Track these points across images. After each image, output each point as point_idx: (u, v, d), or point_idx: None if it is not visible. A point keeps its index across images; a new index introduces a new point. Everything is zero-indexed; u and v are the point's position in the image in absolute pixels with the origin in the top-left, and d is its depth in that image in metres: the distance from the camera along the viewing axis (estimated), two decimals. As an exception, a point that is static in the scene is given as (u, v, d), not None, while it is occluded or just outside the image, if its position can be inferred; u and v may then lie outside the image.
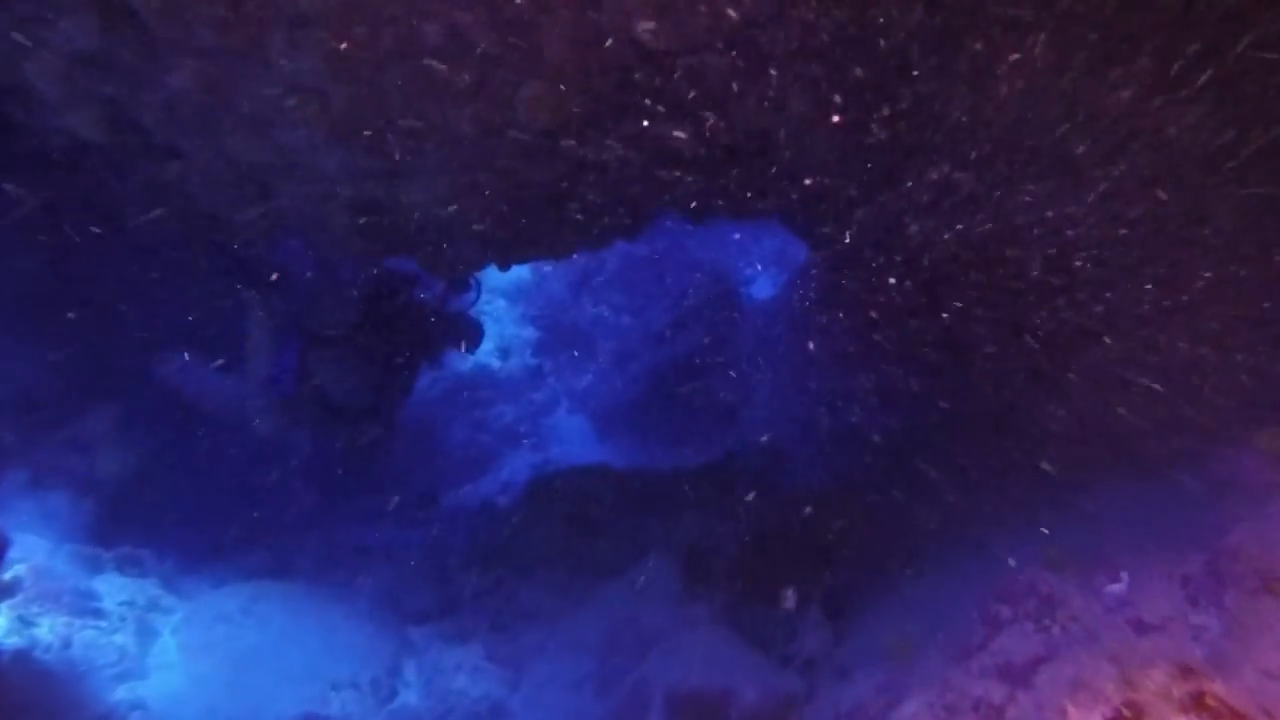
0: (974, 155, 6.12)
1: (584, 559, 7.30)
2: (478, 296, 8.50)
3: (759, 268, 15.06)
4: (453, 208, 6.29)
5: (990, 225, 6.68)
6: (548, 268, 14.54)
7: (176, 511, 7.73)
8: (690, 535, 7.44)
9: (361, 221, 6.49)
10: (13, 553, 5.69)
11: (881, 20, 5.55)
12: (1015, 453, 6.78)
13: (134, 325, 7.74)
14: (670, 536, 7.47)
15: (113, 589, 6.07)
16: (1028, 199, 5.98)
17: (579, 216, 7.19)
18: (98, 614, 5.74)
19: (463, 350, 8.83)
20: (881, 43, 5.61)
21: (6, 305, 7.14)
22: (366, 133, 5.58)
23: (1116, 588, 3.63)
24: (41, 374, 7.25)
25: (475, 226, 6.55)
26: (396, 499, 9.96)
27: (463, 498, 10.54)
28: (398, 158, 5.81)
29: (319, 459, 10.02)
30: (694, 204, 7.39)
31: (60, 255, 7.33)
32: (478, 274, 8.55)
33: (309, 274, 8.29)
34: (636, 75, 5.66)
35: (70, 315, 7.37)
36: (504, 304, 13.92)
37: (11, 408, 7.10)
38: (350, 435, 8.41)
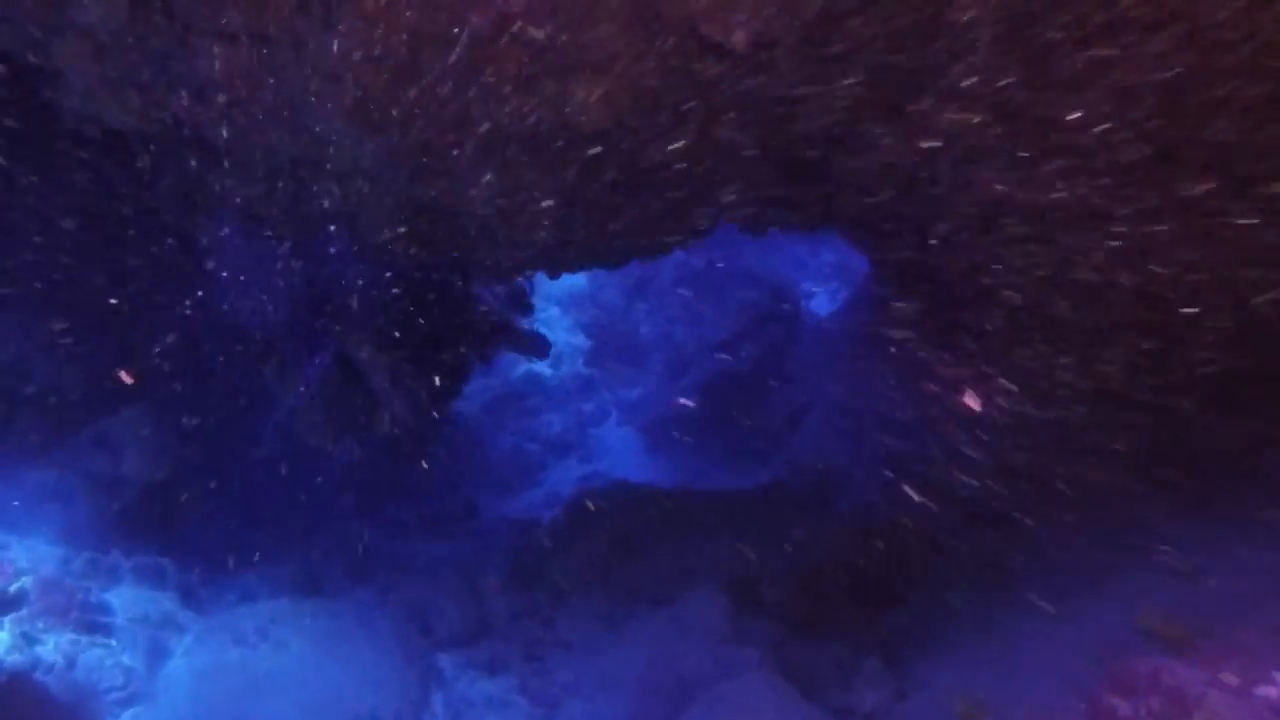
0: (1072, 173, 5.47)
1: (626, 585, 6.72)
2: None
3: (818, 282, 14.41)
4: (497, 209, 5.76)
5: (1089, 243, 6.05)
6: (603, 276, 14.02)
7: (206, 517, 7.28)
8: (739, 565, 6.83)
9: (402, 219, 5.99)
10: (21, 562, 5.24)
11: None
12: (1106, 487, 6.12)
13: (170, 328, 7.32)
14: (718, 565, 6.87)
15: (127, 602, 5.60)
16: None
17: (634, 223, 6.64)
18: (107, 631, 5.28)
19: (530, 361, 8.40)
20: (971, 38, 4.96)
21: (35, 298, 6.73)
22: (405, 125, 5.06)
23: (1270, 690, 2.95)
24: (69, 369, 6.83)
25: (523, 230, 6.02)
26: (436, 508, 9.49)
27: (504, 509, 10.03)
28: (439, 153, 5.29)
29: (360, 463, 9.57)
30: (754, 213, 6.81)
31: (93, 247, 6.91)
32: (529, 279, 8.07)
33: (347, 272, 7.84)
34: (698, 72, 5.08)
35: (101, 309, 6.96)
36: (557, 311, 13.41)
37: (37, 404, 6.68)
38: (396, 439, 7.96)
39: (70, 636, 5.03)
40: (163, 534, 6.89)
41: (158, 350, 7.30)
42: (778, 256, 13.94)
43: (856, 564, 7.00)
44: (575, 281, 13.63)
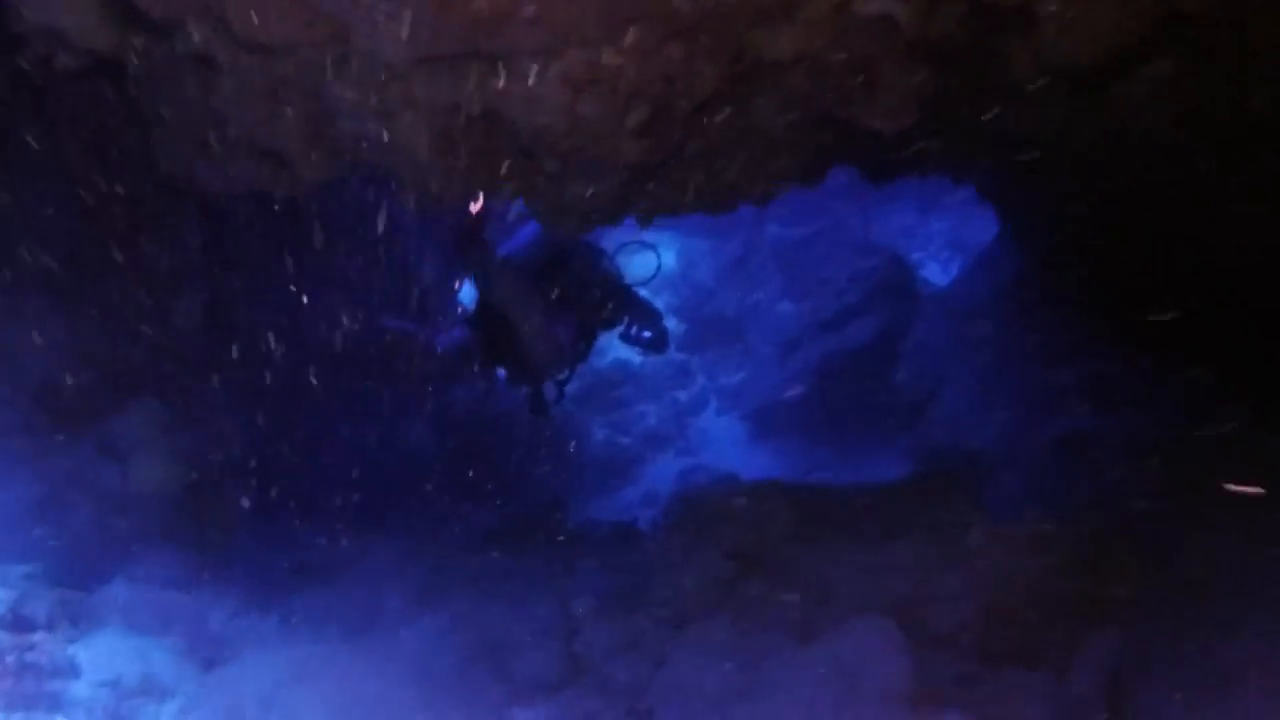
0: None
1: (757, 609, 4.88)
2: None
3: (929, 252, 12.42)
4: (573, 116, 3.99)
5: None
6: (694, 253, 12.24)
7: (244, 533, 5.66)
8: (901, 581, 4.97)
9: (448, 143, 4.25)
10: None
11: None
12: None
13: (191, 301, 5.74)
14: (871, 581, 5.01)
15: (99, 658, 3.94)
16: None
17: (743, 141, 4.84)
18: (54, 703, 3.60)
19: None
20: None
21: (26, 274, 5.18)
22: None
23: None
24: (68, 359, 5.26)
25: (605, 147, 4.23)
26: (520, 509, 7.78)
27: (596, 510, 8.30)
28: (485, 30, 3.55)
29: (438, 457, 7.99)
30: (894, 136, 4.90)
31: (91, 213, 5.33)
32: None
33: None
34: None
35: (106, 283, 5.41)
36: (644, 293, 11.63)
37: (26, 402, 5.11)
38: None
39: (-2, 715, 3.38)
40: (183, 558, 5.26)
41: (177, 331, 5.74)
42: (884, 225, 12.03)
43: (1049, 574, 5.08)
44: (665, 260, 11.90)
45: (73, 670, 3.79)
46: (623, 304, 7.02)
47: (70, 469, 5.13)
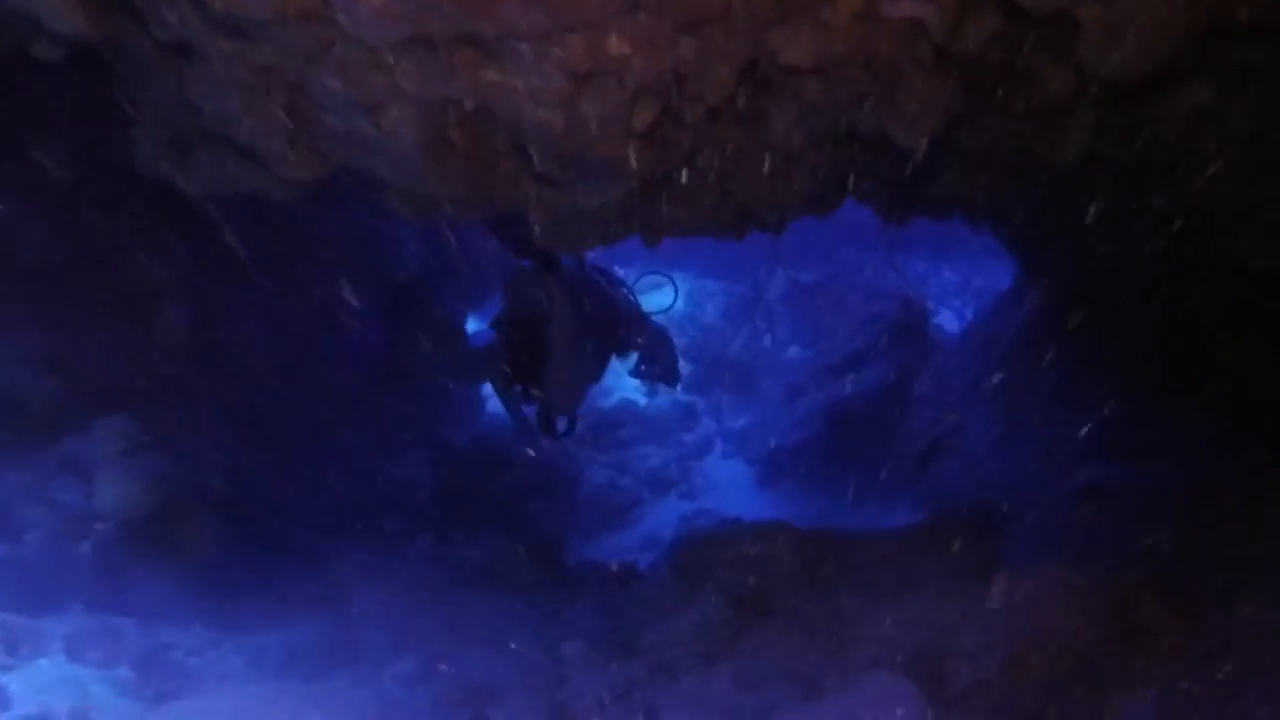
0: None
1: (760, 663, 4.42)
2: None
3: (941, 301, 12.03)
4: (573, 112, 3.62)
5: None
6: (702, 294, 11.90)
7: (204, 568, 5.22)
8: (915, 634, 4.50)
9: (436, 148, 3.87)
10: None
11: None
12: None
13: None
14: (886, 633, 4.54)
15: (28, 690, 3.49)
16: None
17: (762, 159, 4.47)
18: (-30, 739, 3.16)
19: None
20: None
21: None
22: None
23: None
24: (32, 371, 4.87)
25: (607, 151, 3.85)
26: (512, 548, 7.31)
27: (592, 552, 7.84)
28: (479, 12, 3.19)
29: (429, 489, 7.56)
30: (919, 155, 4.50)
31: (63, 215, 4.97)
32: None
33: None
34: None
35: (78, 295, 5.04)
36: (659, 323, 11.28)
37: (-14, 414, 4.72)
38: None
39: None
40: (147, 586, 4.83)
41: (156, 345, 5.35)
42: (897, 271, 11.65)
43: (1075, 630, 4.61)
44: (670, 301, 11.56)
45: (2, 702, 3.35)
46: (640, 332, 6.93)
47: (27, 484, 4.73)
